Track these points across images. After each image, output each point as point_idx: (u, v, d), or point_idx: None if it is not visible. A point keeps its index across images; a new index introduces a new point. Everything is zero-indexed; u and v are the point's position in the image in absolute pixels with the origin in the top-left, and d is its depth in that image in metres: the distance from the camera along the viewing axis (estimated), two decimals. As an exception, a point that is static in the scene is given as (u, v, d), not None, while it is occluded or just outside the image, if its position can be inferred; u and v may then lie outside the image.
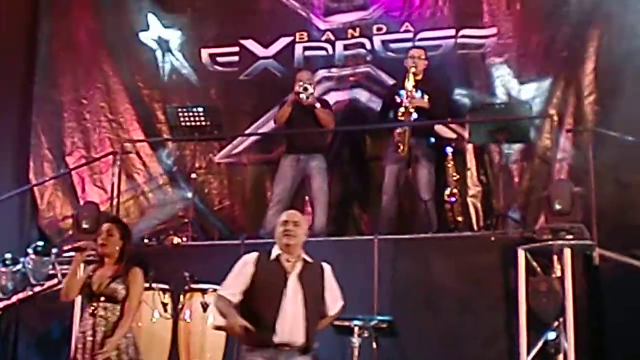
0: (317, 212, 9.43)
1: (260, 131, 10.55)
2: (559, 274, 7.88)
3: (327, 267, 6.04)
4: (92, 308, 6.37)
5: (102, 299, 6.36)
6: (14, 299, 9.11)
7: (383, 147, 9.81)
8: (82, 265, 6.77)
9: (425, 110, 9.26)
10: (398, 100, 9.30)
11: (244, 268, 5.89)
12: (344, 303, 6.10)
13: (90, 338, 6.30)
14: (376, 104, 10.15)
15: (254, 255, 5.97)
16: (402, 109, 9.16)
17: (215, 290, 7.49)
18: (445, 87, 9.72)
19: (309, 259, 5.98)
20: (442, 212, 9.18)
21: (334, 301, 6.02)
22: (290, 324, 5.73)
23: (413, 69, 9.28)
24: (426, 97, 9.27)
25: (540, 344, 7.75)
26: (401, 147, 9.18)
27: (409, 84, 9.22)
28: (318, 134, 9.74)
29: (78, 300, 7.74)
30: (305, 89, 9.46)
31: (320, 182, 9.49)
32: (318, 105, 9.57)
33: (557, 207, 8.18)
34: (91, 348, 6.27)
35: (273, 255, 5.94)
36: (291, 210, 6.29)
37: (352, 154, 10.27)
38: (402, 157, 9.24)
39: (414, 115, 9.20)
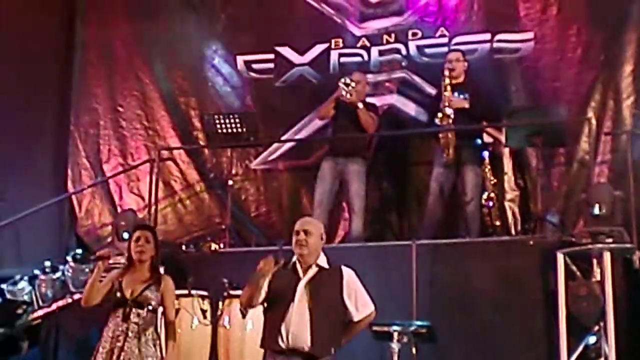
0: (353, 218, 9.41)
1: (296, 137, 10.56)
2: (598, 277, 7.81)
3: (347, 272, 6.01)
4: (125, 314, 6.38)
5: (135, 305, 6.38)
6: (54, 306, 9.17)
7: (421, 152, 9.80)
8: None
9: (466, 111, 9.20)
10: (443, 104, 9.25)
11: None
12: (374, 308, 6.05)
13: (119, 344, 6.31)
14: (413, 109, 10.13)
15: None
16: (440, 114, 9.11)
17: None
18: (482, 90, 9.65)
19: (325, 265, 5.99)
20: (481, 216, 9.14)
21: (359, 306, 5.98)
22: (296, 329, 5.76)
23: (447, 72, 9.23)
24: (465, 97, 9.21)
25: (580, 348, 7.69)
26: (446, 151, 9.15)
27: (446, 87, 9.18)
28: (360, 137, 9.69)
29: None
30: (347, 85, 9.42)
31: (357, 186, 9.44)
32: (361, 105, 9.52)
33: (596, 210, 8.13)
34: (118, 355, 6.29)
35: (291, 262, 6.01)
36: (305, 218, 6.31)
37: (389, 159, 10.23)
38: (448, 161, 9.20)
39: (451, 117, 9.13)
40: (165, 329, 6.50)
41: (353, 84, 9.43)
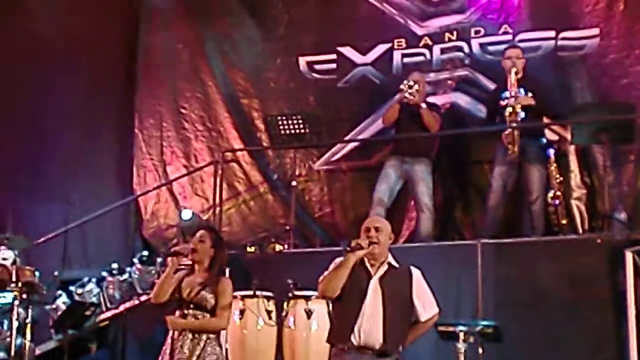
0: (422, 217, 9.38)
1: (359, 137, 10.55)
2: (668, 275, 7.71)
3: (416, 272, 6.02)
4: (182, 315, 6.39)
5: (192, 306, 6.37)
6: (121, 307, 9.27)
7: (484, 150, 9.74)
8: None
9: (532, 108, 9.11)
10: (503, 103, 9.15)
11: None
12: (439, 310, 6.06)
13: (179, 344, 6.32)
14: (475, 107, 10.08)
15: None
16: (509, 109, 9.02)
17: (318, 296, 7.56)
18: (546, 88, 9.54)
19: (395, 264, 5.98)
20: (546, 215, 9.05)
21: (426, 307, 5.99)
22: (368, 326, 5.76)
23: (514, 69, 9.16)
24: (530, 94, 9.13)
25: (650, 348, 7.59)
26: (511, 148, 9.07)
27: (513, 84, 9.11)
28: (425, 137, 9.65)
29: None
30: (410, 87, 9.40)
31: (425, 187, 9.43)
32: (424, 105, 9.50)
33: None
34: (172, 355, 6.30)
35: (359, 260, 5.95)
36: (374, 217, 6.31)
37: (453, 157, 10.17)
38: (512, 159, 9.12)
39: (521, 115, 9.04)
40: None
41: (416, 86, 9.40)
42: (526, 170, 9.15)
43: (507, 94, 9.13)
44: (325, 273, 5.97)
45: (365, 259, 5.94)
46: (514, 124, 9.01)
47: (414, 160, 9.49)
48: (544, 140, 9.28)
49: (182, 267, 6.59)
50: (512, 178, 9.23)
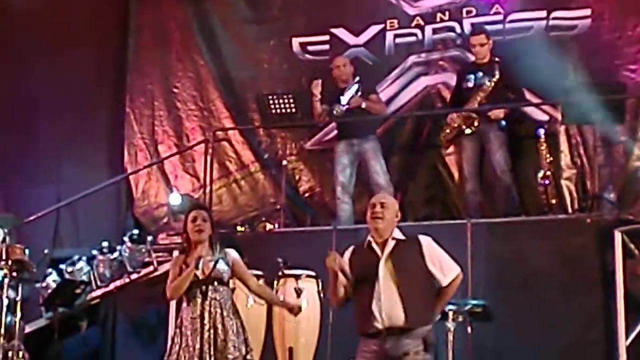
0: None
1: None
2: (657, 256, 7.74)
3: (424, 240, 5.94)
4: (203, 293, 6.45)
5: (211, 282, 6.45)
6: (112, 286, 9.28)
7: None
8: None
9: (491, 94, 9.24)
10: (470, 85, 9.31)
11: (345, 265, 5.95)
12: (460, 270, 5.98)
13: (207, 322, 6.40)
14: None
15: (350, 249, 6.05)
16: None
17: (308, 275, 7.60)
18: (538, 68, 9.53)
19: (401, 237, 5.93)
20: (536, 195, 9.07)
21: (444, 271, 5.87)
22: (389, 307, 5.71)
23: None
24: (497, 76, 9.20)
25: (638, 327, 7.63)
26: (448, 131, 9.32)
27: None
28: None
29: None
30: (339, 109, 9.50)
31: (378, 165, 9.53)
32: (364, 105, 9.56)
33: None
34: (202, 334, 6.37)
35: (366, 243, 5.96)
36: (381, 193, 6.30)
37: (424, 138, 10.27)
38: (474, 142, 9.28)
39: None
40: (258, 296, 6.87)
41: (344, 98, 9.50)
42: (488, 152, 9.24)
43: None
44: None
45: (372, 240, 5.92)
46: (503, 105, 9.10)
47: (362, 141, 9.56)
48: (503, 123, 9.28)
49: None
50: (476, 159, 9.34)
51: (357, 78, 9.65)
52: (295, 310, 7.06)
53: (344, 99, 9.51)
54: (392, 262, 5.81)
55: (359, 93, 9.52)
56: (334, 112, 9.52)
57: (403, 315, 5.69)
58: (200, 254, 6.46)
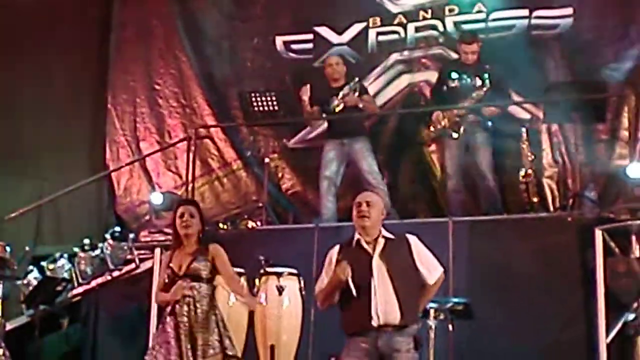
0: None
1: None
2: (637, 254, 7.75)
3: (412, 238, 6.01)
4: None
5: (188, 280, 6.43)
6: (93, 283, 9.25)
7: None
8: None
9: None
10: (453, 85, 9.29)
11: (330, 265, 5.96)
12: (444, 269, 6.06)
13: (182, 319, 6.38)
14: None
15: (336, 248, 6.04)
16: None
17: (290, 273, 7.59)
18: (520, 66, 9.55)
19: (390, 235, 5.97)
20: (518, 193, 9.09)
21: (430, 269, 5.96)
22: (384, 304, 5.74)
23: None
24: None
25: (619, 325, 7.64)
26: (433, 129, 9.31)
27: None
28: (359, 118, 9.73)
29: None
30: (342, 98, 9.44)
31: (367, 164, 9.45)
32: (361, 105, 9.53)
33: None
34: (185, 330, 6.37)
35: (354, 241, 5.97)
36: (366, 192, 6.31)
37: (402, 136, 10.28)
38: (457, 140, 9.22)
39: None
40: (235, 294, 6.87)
41: (341, 93, 9.45)
42: (475, 153, 9.22)
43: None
44: (317, 289, 6.02)
45: (361, 238, 5.94)
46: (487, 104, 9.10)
47: (352, 140, 9.50)
48: (490, 124, 9.28)
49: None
50: (460, 158, 9.30)
51: (357, 78, 9.60)
52: (250, 309, 7.16)
53: (340, 94, 9.46)
54: (384, 260, 5.85)
55: (357, 93, 9.48)
56: (331, 106, 9.46)
57: (399, 312, 5.74)
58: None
